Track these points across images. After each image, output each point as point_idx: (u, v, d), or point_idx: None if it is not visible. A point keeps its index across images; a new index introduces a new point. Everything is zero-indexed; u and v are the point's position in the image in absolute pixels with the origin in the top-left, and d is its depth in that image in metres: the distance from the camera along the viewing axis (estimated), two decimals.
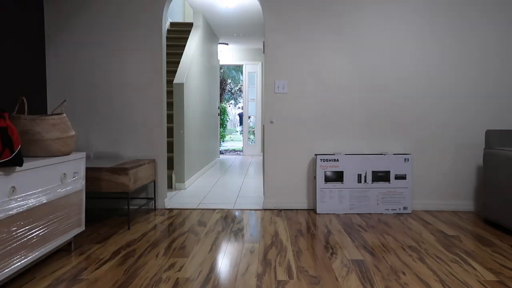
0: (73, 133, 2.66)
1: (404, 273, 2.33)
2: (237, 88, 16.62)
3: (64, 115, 2.64)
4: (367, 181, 3.79)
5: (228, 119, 13.87)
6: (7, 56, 3.38)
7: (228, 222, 3.48)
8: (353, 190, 3.79)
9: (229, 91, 16.60)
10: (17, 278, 2.27)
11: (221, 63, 9.49)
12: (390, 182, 3.79)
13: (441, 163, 3.92)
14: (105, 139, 3.99)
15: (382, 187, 3.79)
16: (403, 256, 2.62)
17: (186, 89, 5.16)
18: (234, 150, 11.41)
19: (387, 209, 3.79)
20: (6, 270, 2.03)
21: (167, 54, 6.36)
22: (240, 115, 14.16)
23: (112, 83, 3.96)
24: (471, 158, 3.91)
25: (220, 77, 9.74)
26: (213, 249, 2.77)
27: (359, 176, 3.79)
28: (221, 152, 10.42)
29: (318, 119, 3.94)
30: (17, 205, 2.10)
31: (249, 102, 9.85)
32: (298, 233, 3.15)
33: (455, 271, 2.36)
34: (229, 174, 6.36)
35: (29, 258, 2.21)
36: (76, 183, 2.71)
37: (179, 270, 2.39)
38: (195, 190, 4.98)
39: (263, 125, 4.14)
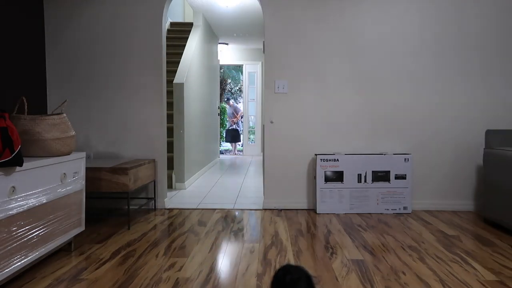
0: (73, 133, 2.66)
1: (404, 273, 2.33)
2: (237, 88, 16.62)
3: (64, 115, 2.64)
4: (367, 181, 3.79)
5: (228, 119, 13.84)
6: (7, 56, 3.38)
7: (228, 222, 3.48)
8: (353, 190, 3.79)
9: (229, 91, 16.60)
10: (17, 278, 2.27)
11: (221, 63, 9.49)
12: (390, 182, 3.79)
13: (441, 163, 3.92)
14: (105, 139, 3.99)
15: (382, 187, 3.79)
16: (403, 256, 2.62)
17: (186, 89, 5.16)
18: None
19: (387, 209, 3.79)
20: (6, 270, 2.03)
21: (167, 54, 6.36)
22: (235, 109, 11.42)
23: (112, 83, 3.96)
24: (471, 158, 3.91)
25: (220, 77, 9.73)
26: (213, 249, 2.77)
27: (359, 176, 3.79)
28: (221, 152, 10.42)
29: (318, 119, 3.94)
30: (17, 205, 2.10)
31: (249, 102, 9.84)
32: (298, 233, 3.15)
33: (455, 271, 2.36)
34: (229, 174, 6.36)
35: (29, 258, 2.21)
36: (76, 183, 2.71)
37: (179, 270, 2.39)
38: (195, 190, 4.98)
39: (263, 125, 4.14)
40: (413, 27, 3.87)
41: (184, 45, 6.28)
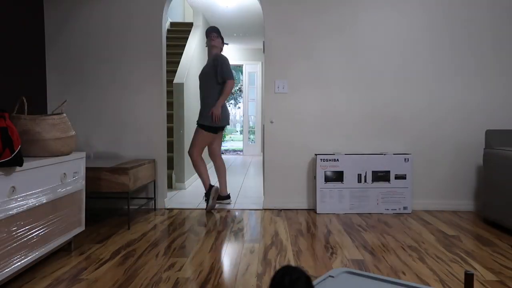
0: (73, 133, 2.66)
1: (404, 273, 2.33)
2: (237, 88, 16.62)
3: (64, 115, 2.64)
4: (367, 181, 3.79)
5: None
6: (7, 56, 3.38)
7: (228, 222, 3.48)
8: (353, 190, 3.79)
9: None
10: (17, 278, 2.27)
11: None
12: (390, 182, 3.79)
13: (441, 163, 3.92)
14: (105, 139, 3.99)
15: (382, 187, 3.79)
16: (403, 256, 2.62)
17: (186, 89, 5.16)
18: (234, 150, 11.40)
19: (387, 209, 3.79)
20: (6, 270, 2.03)
21: (167, 54, 6.36)
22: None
23: (112, 83, 3.96)
24: (471, 158, 3.91)
25: None
26: (213, 249, 2.77)
27: (359, 176, 3.79)
28: (221, 152, 10.42)
29: (318, 119, 3.94)
30: (17, 205, 2.10)
31: (249, 102, 9.84)
32: (298, 233, 3.15)
33: (455, 271, 2.36)
34: (229, 174, 6.36)
35: (29, 258, 2.21)
36: (76, 183, 2.71)
37: (179, 270, 2.39)
38: (195, 190, 4.98)
39: (263, 125, 4.14)
40: (413, 27, 3.87)
41: (184, 45, 6.28)
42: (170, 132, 5.34)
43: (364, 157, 3.79)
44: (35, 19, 3.82)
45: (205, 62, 6.68)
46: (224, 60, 3.93)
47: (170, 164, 5.16)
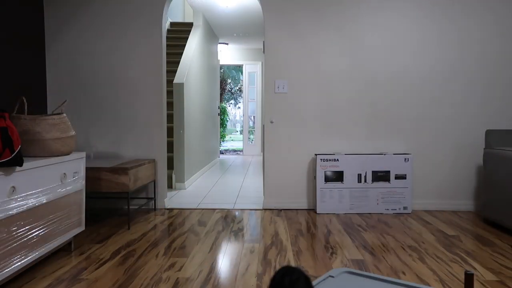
0: (73, 133, 2.66)
1: (404, 273, 2.33)
2: (237, 88, 16.62)
3: (64, 115, 2.64)
4: (367, 181, 3.79)
5: (228, 119, 13.84)
6: (7, 56, 3.38)
7: (228, 222, 3.48)
8: (353, 190, 3.79)
9: (229, 91, 16.58)
10: (17, 278, 2.27)
11: (221, 63, 9.49)
12: (390, 182, 3.79)
13: (441, 163, 3.92)
14: (105, 139, 3.99)
15: (382, 187, 3.79)
16: (403, 256, 2.62)
17: (186, 89, 5.16)
18: (234, 150, 11.40)
19: (387, 209, 3.79)
20: (6, 270, 2.03)
21: (167, 54, 6.36)
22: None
23: (112, 83, 3.96)
24: (471, 158, 3.91)
25: (220, 77, 9.73)
26: (213, 249, 2.77)
27: (359, 176, 3.79)
28: (221, 152, 10.42)
29: (318, 119, 3.94)
30: (17, 205, 2.10)
31: (249, 102, 9.84)
32: (298, 233, 3.15)
33: (455, 271, 2.36)
34: (229, 174, 6.36)
35: (29, 258, 2.21)
36: (76, 183, 2.71)
37: (179, 270, 2.39)
38: (195, 190, 4.98)
39: (263, 125, 4.14)
40: (413, 27, 3.87)
41: (184, 45, 6.28)
42: (170, 132, 5.34)
43: (364, 157, 3.79)
44: (35, 19, 3.81)
45: (205, 62, 6.71)
46: None
47: (170, 164, 5.16)
